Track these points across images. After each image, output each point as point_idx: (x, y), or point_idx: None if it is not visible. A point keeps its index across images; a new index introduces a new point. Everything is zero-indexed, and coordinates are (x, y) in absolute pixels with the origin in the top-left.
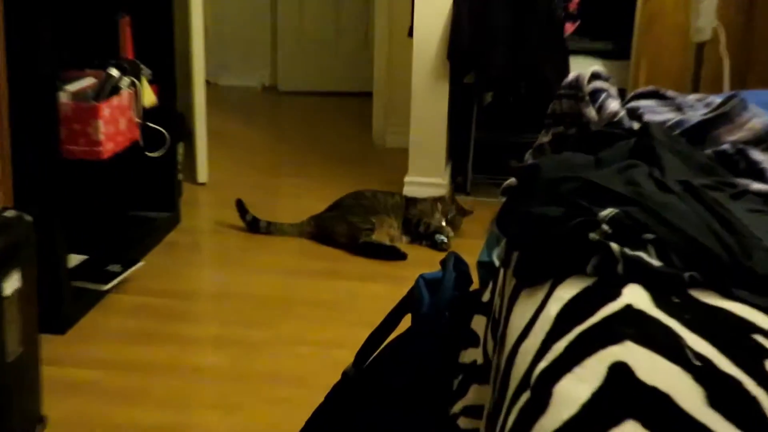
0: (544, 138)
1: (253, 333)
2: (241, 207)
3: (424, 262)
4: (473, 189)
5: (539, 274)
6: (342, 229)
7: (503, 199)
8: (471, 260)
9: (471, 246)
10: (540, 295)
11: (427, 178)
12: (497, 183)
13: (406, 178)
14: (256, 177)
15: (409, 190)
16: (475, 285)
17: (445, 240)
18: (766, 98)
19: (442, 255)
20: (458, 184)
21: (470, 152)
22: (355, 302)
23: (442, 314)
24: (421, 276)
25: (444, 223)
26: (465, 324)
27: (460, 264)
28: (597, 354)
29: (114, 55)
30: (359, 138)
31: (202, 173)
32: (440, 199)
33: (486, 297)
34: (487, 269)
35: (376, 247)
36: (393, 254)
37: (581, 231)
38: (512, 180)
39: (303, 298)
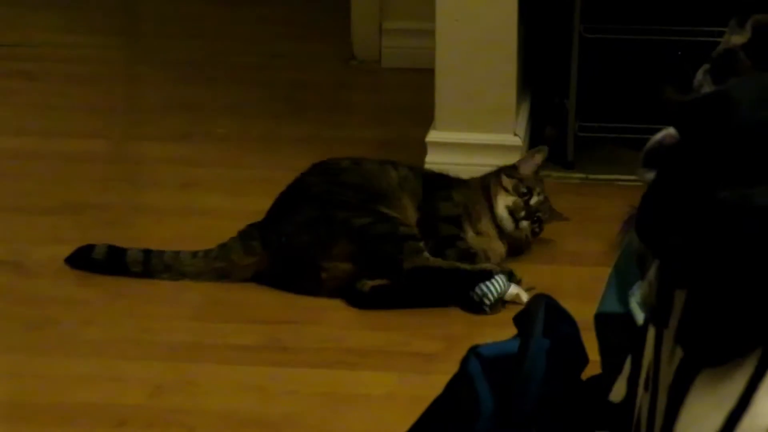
0: (737, 37)
1: None
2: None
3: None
4: (580, 155)
5: (735, 340)
6: (342, 249)
7: (649, 176)
8: (582, 311)
9: (578, 278)
10: (737, 382)
11: (476, 135)
12: (631, 141)
13: (430, 137)
14: (99, 143)
15: (436, 162)
16: (594, 366)
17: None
18: None
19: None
20: (547, 143)
21: (573, 73)
22: (332, 416)
23: None
24: (475, 352)
25: (522, 215)
26: None
27: (559, 322)
28: None
29: None
30: (322, 47)
31: None
32: (504, 171)
33: (619, 393)
34: (617, 329)
35: (456, 277)
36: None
37: None
38: (667, 132)
39: (216, 413)
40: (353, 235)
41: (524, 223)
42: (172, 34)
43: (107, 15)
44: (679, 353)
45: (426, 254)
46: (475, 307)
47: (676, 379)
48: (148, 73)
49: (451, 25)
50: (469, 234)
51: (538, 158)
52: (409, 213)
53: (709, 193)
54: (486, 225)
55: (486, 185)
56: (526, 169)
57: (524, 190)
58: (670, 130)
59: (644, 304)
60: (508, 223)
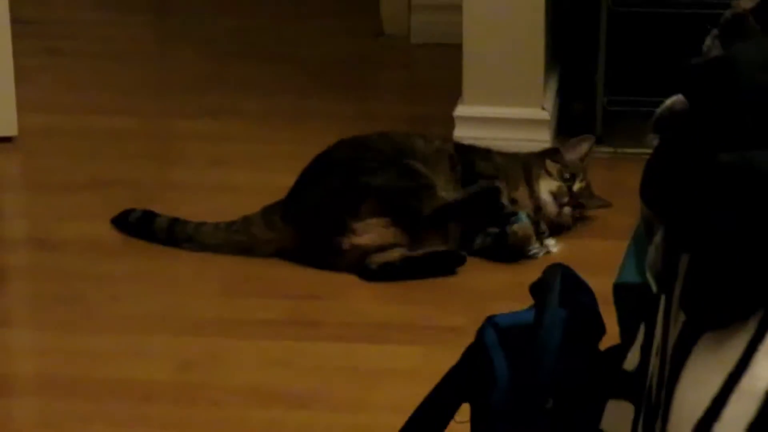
0: (746, 1)
1: None
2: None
3: (495, 283)
4: (609, 128)
5: (736, 303)
6: (369, 208)
7: (657, 142)
8: (601, 282)
9: (606, 251)
10: (737, 345)
11: (504, 110)
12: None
13: (458, 111)
14: (128, 120)
15: (465, 137)
16: (612, 337)
17: (535, 244)
18: None
19: (527, 269)
20: (576, 118)
21: (601, 46)
22: (357, 391)
23: (539, 404)
24: (491, 322)
25: (566, 200)
26: (589, 422)
27: (576, 292)
28: None
29: None
30: (351, 23)
31: (6, 115)
32: (548, 155)
33: (633, 361)
34: (635, 299)
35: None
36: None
37: None
38: (677, 98)
39: (242, 388)
40: (376, 195)
41: (567, 209)
42: (199, 10)
43: None
44: (680, 317)
45: (441, 195)
46: (513, 250)
47: (678, 343)
48: (175, 49)
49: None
50: (504, 197)
51: (585, 147)
52: (442, 179)
53: (711, 157)
54: (522, 195)
55: (527, 166)
56: (571, 156)
57: (567, 176)
58: (676, 98)
59: (651, 270)
60: (552, 207)
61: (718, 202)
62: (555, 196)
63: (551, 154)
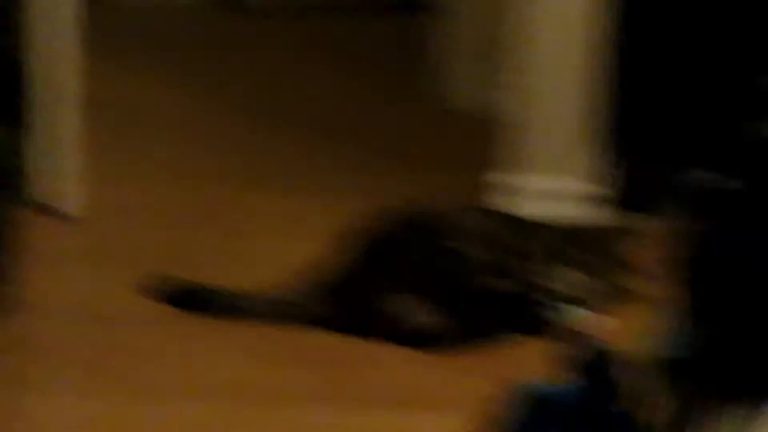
0: None
1: None
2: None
3: (529, 351)
4: (655, 198)
5: (753, 379)
6: (405, 281)
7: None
8: (632, 354)
9: (634, 321)
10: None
11: (546, 182)
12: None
13: (497, 181)
14: (173, 191)
15: (506, 209)
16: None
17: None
18: None
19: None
20: (621, 190)
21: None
22: None
23: None
24: (524, 392)
25: (564, 286)
26: None
27: (605, 363)
28: None
29: None
30: (392, 92)
31: (71, 196)
32: (580, 234)
33: None
34: (666, 371)
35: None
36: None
37: None
38: (707, 175)
39: None
40: (415, 272)
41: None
42: (262, 80)
43: (203, 56)
44: (710, 394)
45: (484, 276)
46: (541, 327)
47: (707, 419)
48: (249, 121)
49: (518, 69)
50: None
51: (622, 241)
52: (486, 253)
53: (764, 238)
54: (553, 272)
55: (558, 242)
56: (607, 241)
57: (590, 265)
58: (710, 174)
59: (683, 345)
60: (560, 294)
61: (742, 285)
62: (567, 284)
63: (586, 235)
